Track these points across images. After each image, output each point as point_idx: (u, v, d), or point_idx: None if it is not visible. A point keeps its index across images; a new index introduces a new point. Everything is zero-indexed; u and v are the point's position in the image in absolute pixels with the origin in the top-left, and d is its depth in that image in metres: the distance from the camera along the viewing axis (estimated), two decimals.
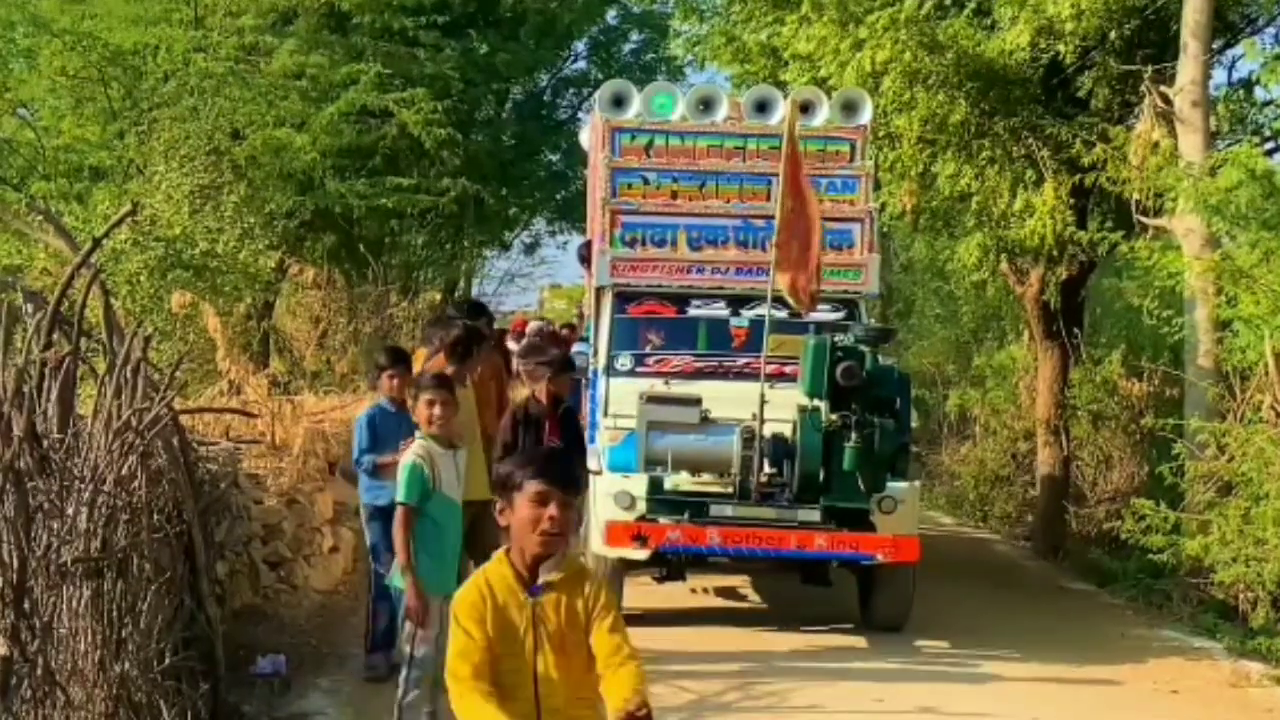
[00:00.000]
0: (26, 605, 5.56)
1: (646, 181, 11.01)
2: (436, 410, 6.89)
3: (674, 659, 9.01)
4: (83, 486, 6.13)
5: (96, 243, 7.50)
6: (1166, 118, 12.09)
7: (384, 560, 7.97)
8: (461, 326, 8.85)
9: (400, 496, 6.78)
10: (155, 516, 6.72)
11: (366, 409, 8.71)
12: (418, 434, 6.95)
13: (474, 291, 27.05)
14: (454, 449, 6.96)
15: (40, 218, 14.24)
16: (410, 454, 6.84)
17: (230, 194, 14.35)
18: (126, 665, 6.12)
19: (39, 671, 5.57)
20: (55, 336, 6.70)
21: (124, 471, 6.38)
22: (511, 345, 15.05)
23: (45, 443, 6.24)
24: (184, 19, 16.98)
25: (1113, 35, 12.26)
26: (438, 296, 22.24)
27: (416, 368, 8.67)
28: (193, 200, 13.83)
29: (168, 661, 6.41)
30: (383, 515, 7.99)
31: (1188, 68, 11.90)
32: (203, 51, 16.20)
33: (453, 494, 6.86)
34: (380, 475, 8.04)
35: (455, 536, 6.91)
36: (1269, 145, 12.57)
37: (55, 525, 5.97)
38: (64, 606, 5.94)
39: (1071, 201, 12.88)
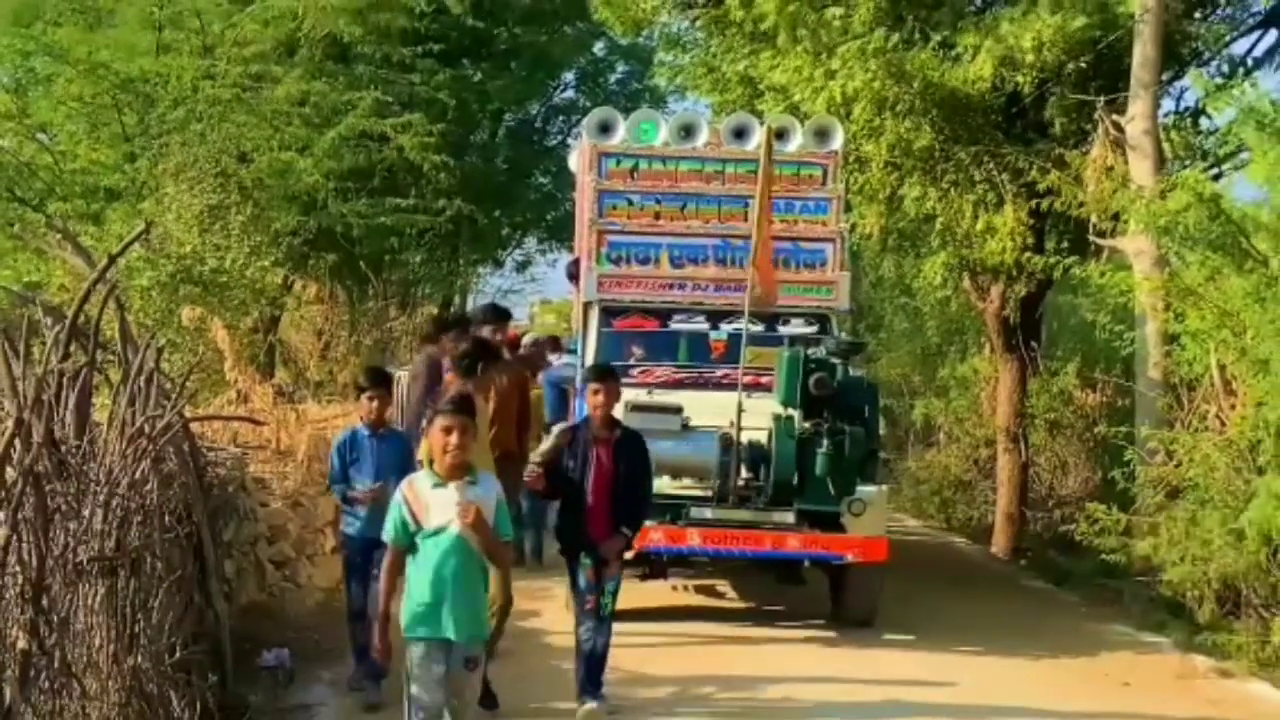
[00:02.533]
0: (45, 602, 5.55)
1: (631, 203, 11.06)
2: (453, 439, 5.63)
3: (656, 653, 9.03)
4: (98, 489, 6.12)
5: (111, 260, 7.49)
6: (1119, 144, 12.15)
7: (352, 586, 7.83)
8: (471, 340, 8.33)
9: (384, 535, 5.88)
10: (166, 518, 6.72)
11: (340, 433, 8.36)
12: (422, 468, 5.93)
13: (469, 307, 26.87)
14: (455, 480, 5.65)
15: (59, 236, 14.25)
16: (398, 489, 5.82)
17: (237, 214, 14.36)
18: (139, 658, 6.12)
19: (56, 664, 5.57)
20: (73, 348, 6.70)
21: (137, 475, 6.38)
22: None
23: (63, 448, 6.23)
24: (193, 49, 16.99)
25: (1069, 67, 12.32)
26: (434, 311, 22.23)
27: None
28: (202, 220, 13.85)
29: (178, 655, 6.41)
30: (350, 543, 7.89)
31: (1138, 98, 11.98)
32: (211, 79, 16.22)
33: (445, 527, 5.63)
34: (353, 504, 7.80)
35: (448, 572, 5.64)
36: (1215, 170, 12.62)
37: (72, 526, 5.96)
38: (80, 603, 5.94)
39: (1030, 223, 12.92)
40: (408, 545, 5.69)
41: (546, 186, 24.84)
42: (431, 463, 5.78)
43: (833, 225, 11.05)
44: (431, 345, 11.17)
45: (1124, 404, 13.76)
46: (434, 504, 5.64)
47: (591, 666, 7.61)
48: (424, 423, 6.33)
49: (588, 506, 7.57)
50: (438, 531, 5.64)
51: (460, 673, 5.68)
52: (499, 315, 10.19)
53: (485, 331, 9.65)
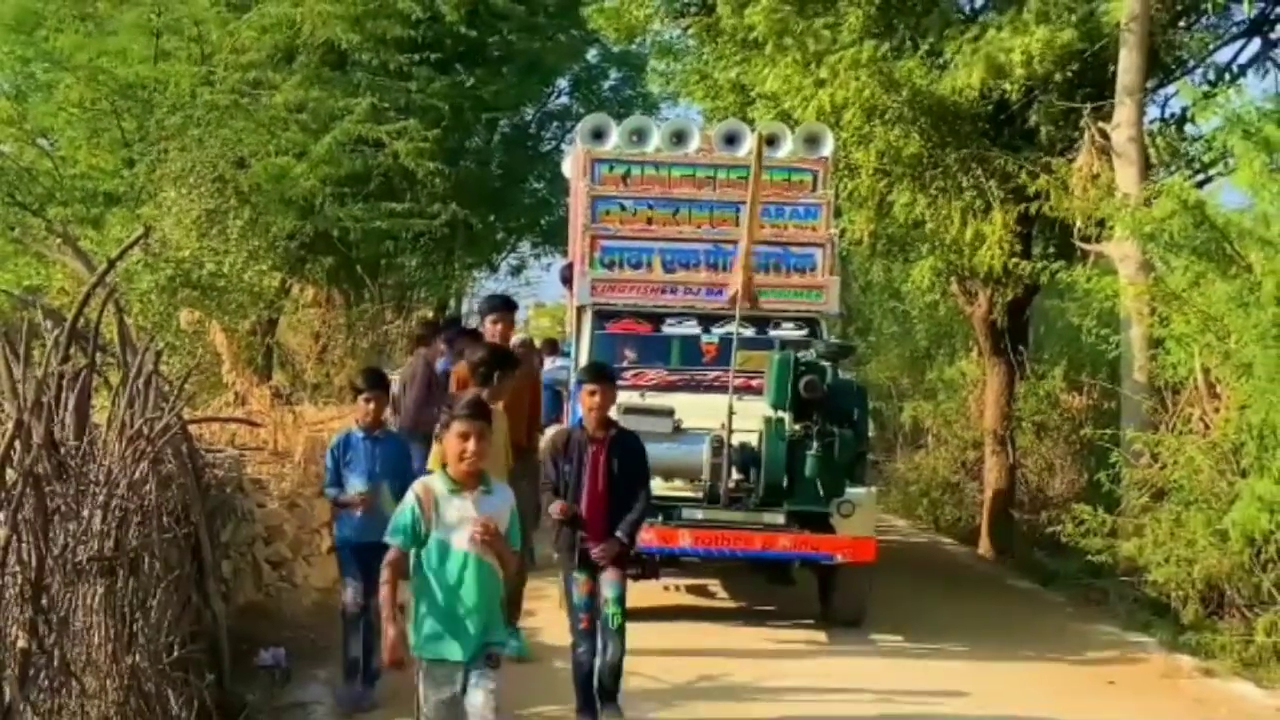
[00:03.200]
0: (44, 601, 5.54)
1: (624, 208, 11.06)
2: (470, 445, 5.37)
3: (648, 652, 9.02)
4: (97, 490, 6.12)
5: (111, 264, 7.49)
6: (1105, 152, 12.18)
7: (347, 591, 7.72)
8: (487, 347, 8.14)
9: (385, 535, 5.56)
10: (165, 518, 6.71)
11: (335, 435, 8.21)
12: (435, 473, 5.66)
13: (464, 311, 26.75)
14: (469, 489, 5.44)
15: (59, 241, 14.23)
16: (410, 490, 5.55)
17: (235, 218, 14.33)
18: (137, 657, 6.10)
19: (55, 663, 5.56)
20: (72, 351, 6.69)
21: (136, 476, 6.37)
22: None
23: (63, 449, 6.22)
24: (191, 55, 16.97)
25: (1056, 76, 12.35)
26: (428, 314, 22.22)
27: None
28: (200, 224, 13.82)
29: (176, 654, 6.39)
30: (344, 547, 7.82)
31: (1124, 106, 12.02)
32: (209, 85, 16.20)
33: (458, 538, 5.39)
34: (344, 508, 7.69)
35: (463, 590, 5.40)
36: (1200, 177, 12.66)
37: (71, 526, 5.95)
38: (79, 602, 5.92)
39: (1018, 228, 12.95)
40: (413, 548, 5.44)
41: (541, 191, 24.86)
42: (444, 467, 5.56)
43: (823, 230, 11.06)
44: (424, 348, 11.20)
45: (1110, 407, 13.79)
46: (447, 510, 5.40)
47: (596, 685, 7.27)
48: (438, 427, 6.05)
49: (583, 510, 7.26)
50: (447, 543, 5.39)
51: (482, 670, 5.44)
52: (504, 305, 10.12)
53: (487, 323, 9.66)
